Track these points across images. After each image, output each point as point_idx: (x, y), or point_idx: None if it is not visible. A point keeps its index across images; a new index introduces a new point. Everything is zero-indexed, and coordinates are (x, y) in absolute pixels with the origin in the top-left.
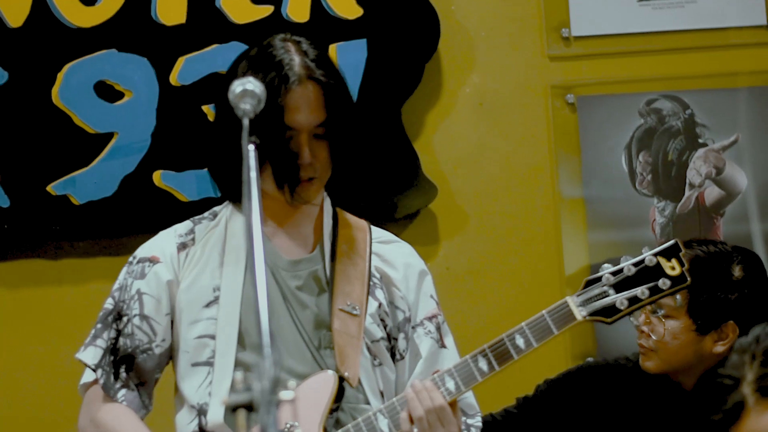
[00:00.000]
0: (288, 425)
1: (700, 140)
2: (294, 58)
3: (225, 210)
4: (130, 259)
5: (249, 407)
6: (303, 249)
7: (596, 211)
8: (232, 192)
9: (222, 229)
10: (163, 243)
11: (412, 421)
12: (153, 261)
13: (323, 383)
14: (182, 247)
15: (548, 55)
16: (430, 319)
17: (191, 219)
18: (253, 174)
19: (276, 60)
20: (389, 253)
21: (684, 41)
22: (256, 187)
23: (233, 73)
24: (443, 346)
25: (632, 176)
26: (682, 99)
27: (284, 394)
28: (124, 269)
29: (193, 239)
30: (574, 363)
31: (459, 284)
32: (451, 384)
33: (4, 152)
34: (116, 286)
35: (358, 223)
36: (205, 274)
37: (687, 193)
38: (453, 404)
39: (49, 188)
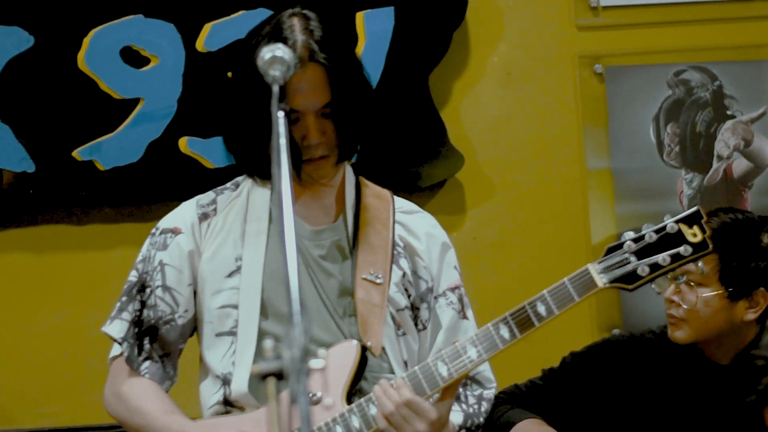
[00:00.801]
0: (312, 395)
1: (729, 112)
2: (297, 38)
3: (247, 180)
4: (153, 230)
5: (278, 375)
6: (326, 218)
7: (623, 182)
8: (250, 165)
9: (244, 200)
10: (185, 214)
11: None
12: (175, 232)
13: (346, 352)
14: (204, 217)
15: (576, 25)
16: (452, 290)
17: (213, 190)
18: (283, 141)
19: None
20: (412, 223)
21: (713, 12)
22: (287, 154)
23: (246, 46)
24: (464, 317)
25: (660, 148)
26: (710, 70)
27: (314, 363)
28: (147, 241)
29: (215, 209)
30: (599, 335)
31: (485, 254)
32: (473, 352)
33: (30, 118)
34: (139, 258)
35: (381, 192)
36: (227, 245)
37: (715, 165)
38: (452, 387)
39: (74, 154)
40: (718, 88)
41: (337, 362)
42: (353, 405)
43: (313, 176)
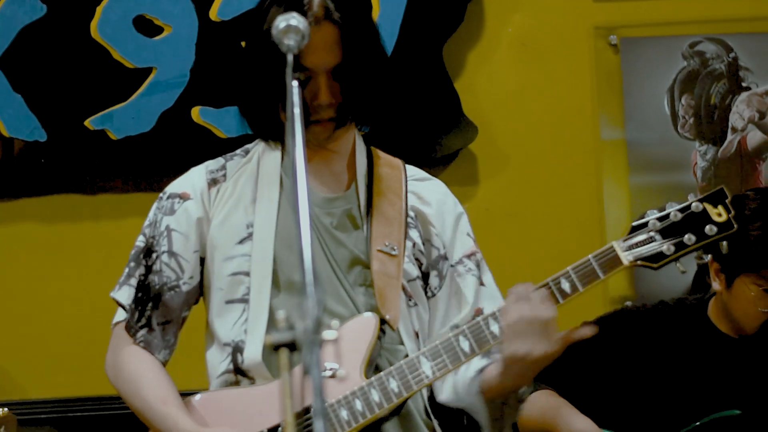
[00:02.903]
0: (330, 368)
1: (743, 84)
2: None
3: (257, 147)
4: (161, 195)
5: (291, 346)
6: (337, 187)
7: (638, 154)
8: (263, 129)
9: (254, 166)
10: (193, 179)
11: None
12: (183, 197)
13: (365, 325)
14: (213, 183)
15: None
16: (469, 257)
17: (223, 156)
18: (297, 110)
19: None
20: (424, 190)
21: None
22: (301, 123)
23: (260, 11)
24: (482, 283)
25: (674, 119)
26: (725, 42)
27: (327, 334)
28: (155, 205)
29: (224, 175)
30: (611, 307)
31: (498, 226)
32: (495, 327)
33: (42, 86)
34: (147, 222)
35: (393, 161)
36: (238, 211)
37: (729, 137)
38: None
39: (86, 123)
40: (734, 59)
41: (355, 336)
42: (372, 378)
43: (319, 138)
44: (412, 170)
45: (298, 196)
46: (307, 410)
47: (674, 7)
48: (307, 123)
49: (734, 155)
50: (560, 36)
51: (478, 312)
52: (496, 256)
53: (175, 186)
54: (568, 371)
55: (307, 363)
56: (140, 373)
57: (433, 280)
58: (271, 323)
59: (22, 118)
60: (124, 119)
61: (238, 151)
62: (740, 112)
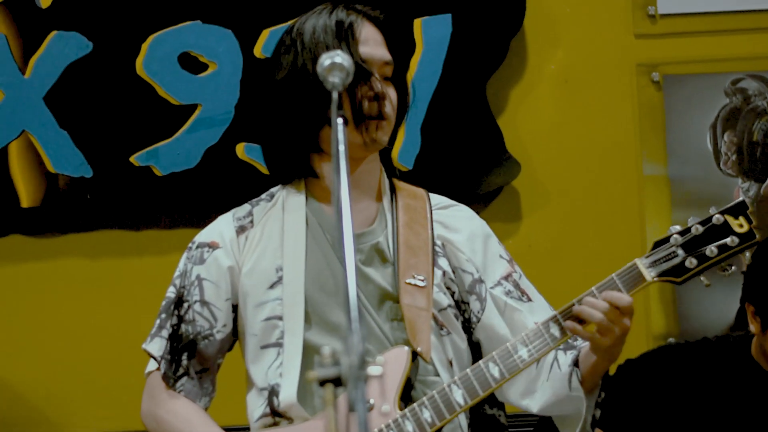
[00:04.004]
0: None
1: None
2: (341, 7)
3: (282, 190)
4: (190, 245)
5: (336, 382)
6: (363, 222)
7: (680, 190)
8: (284, 172)
9: (279, 209)
10: (222, 228)
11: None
12: (212, 246)
13: (397, 358)
14: (241, 230)
15: (634, 33)
16: (506, 278)
17: (249, 202)
18: (342, 147)
19: (330, 16)
20: (449, 218)
21: None
22: (346, 160)
23: (278, 54)
24: (529, 299)
25: (717, 156)
26: None
27: (372, 370)
28: (184, 256)
29: (251, 222)
30: (655, 344)
31: (540, 262)
32: (523, 351)
33: (88, 123)
34: (177, 273)
35: (416, 191)
36: (267, 256)
37: None
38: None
39: (132, 159)
40: None
41: (387, 368)
42: (406, 410)
43: (376, 139)
44: (436, 198)
45: (344, 233)
46: None
47: (716, 45)
48: (364, 127)
49: None
50: (602, 73)
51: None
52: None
53: (203, 235)
54: (612, 407)
55: (352, 398)
56: (188, 418)
57: (474, 305)
58: (306, 364)
59: (68, 154)
60: (169, 156)
61: (263, 196)
62: None
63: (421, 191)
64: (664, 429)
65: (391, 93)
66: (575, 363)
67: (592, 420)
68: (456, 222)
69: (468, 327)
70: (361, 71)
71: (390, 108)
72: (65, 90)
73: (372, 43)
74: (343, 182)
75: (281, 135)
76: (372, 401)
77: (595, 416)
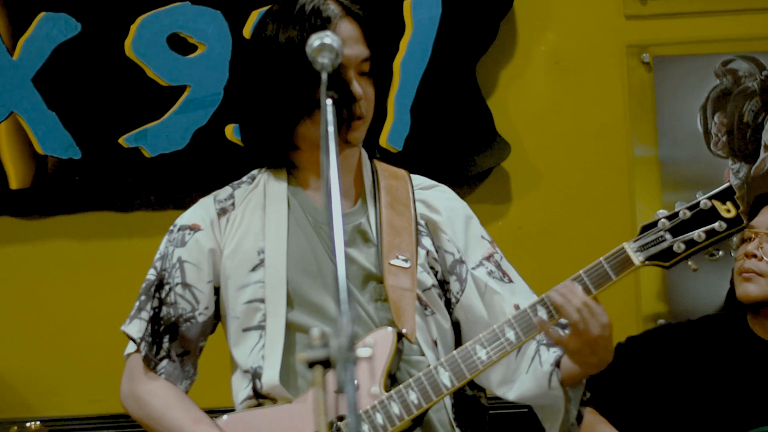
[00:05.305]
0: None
1: None
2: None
3: (263, 173)
4: (171, 227)
5: (325, 363)
6: (345, 203)
7: (670, 171)
8: (264, 156)
9: (261, 191)
10: (203, 210)
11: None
12: (193, 228)
13: (382, 339)
14: (222, 212)
15: (624, 14)
16: (488, 258)
17: (230, 184)
18: (331, 129)
19: (312, 6)
20: (431, 197)
21: (761, 2)
22: (335, 141)
23: (261, 32)
24: (510, 281)
25: (707, 137)
26: (758, 60)
27: (362, 351)
28: (165, 238)
29: (233, 204)
30: (644, 326)
31: (530, 243)
32: (511, 334)
33: (76, 104)
34: (158, 255)
35: (398, 172)
36: (248, 238)
37: (762, 155)
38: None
39: (121, 141)
40: (766, 77)
41: (375, 350)
42: (392, 391)
43: (351, 140)
44: (418, 179)
45: (333, 215)
46: (331, 425)
47: (707, 26)
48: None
49: (767, 173)
50: (593, 54)
51: (516, 308)
52: (528, 274)
53: (185, 218)
54: (608, 387)
55: (341, 380)
56: (167, 400)
57: (454, 285)
58: (289, 346)
59: (56, 135)
60: (158, 137)
61: (244, 178)
62: None
63: (402, 172)
64: (664, 404)
65: (368, 90)
66: (557, 364)
67: (578, 415)
68: (438, 202)
69: (448, 307)
70: (337, 81)
71: (366, 106)
72: (54, 71)
73: (349, 43)
74: (332, 164)
75: (258, 125)
76: (357, 382)
77: (581, 412)
